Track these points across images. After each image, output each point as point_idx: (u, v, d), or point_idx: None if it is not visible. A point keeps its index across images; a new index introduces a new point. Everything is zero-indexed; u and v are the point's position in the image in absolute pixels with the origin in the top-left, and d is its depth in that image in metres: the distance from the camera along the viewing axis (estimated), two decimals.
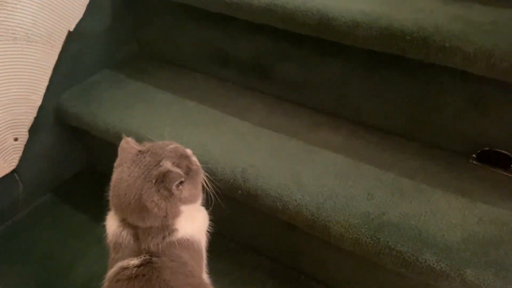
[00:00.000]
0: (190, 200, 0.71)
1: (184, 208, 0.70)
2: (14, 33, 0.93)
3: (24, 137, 1.05)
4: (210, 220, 0.77)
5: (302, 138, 0.95)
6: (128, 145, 0.72)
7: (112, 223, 0.70)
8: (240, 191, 0.86)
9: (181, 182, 0.68)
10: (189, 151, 0.76)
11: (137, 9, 1.20)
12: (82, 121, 1.07)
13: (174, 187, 0.66)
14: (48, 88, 1.06)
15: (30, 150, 1.08)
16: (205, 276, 0.77)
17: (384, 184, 0.84)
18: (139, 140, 0.97)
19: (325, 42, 0.92)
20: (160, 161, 0.69)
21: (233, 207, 0.94)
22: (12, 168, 1.05)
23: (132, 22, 1.22)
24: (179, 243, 0.69)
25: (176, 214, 0.68)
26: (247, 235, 1.05)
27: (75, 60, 1.11)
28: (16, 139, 1.04)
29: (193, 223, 0.73)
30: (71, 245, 1.08)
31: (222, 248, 1.04)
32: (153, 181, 0.66)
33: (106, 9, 1.15)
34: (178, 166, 0.70)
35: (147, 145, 0.73)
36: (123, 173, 0.67)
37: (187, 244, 0.71)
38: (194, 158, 0.76)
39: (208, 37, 1.12)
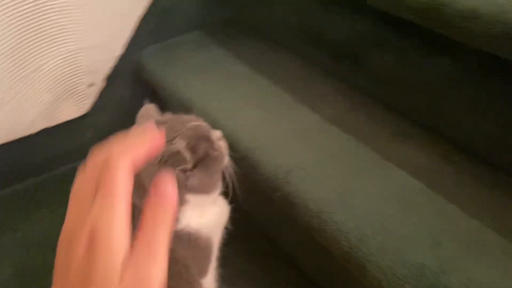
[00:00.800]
0: (200, 190, 0.60)
1: (191, 198, 0.60)
2: None
3: (99, 84, 1.05)
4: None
5: (377, 148, 0.76)
6: (147, 113, 0.63)
7: None
8: (278, 193, 0.73)
9: (189, 169, 0.57)
10: (217, 133, 0.65)
11: None
12: (154, 79, 1.02)
13: (177, 171, 0.56)
14: (131, 40, 1.04)
15: (103, 99, 1.08)
16: (209, 281, 0.66)
17: (461, 232, 0.62)
18: (192, 110, 0.89)
19: (434, 34, 0.71)
20: (174, 138, 0.59)
21: (272, 209, 0.81)
22: (83, 112, 1.07)
23: None
24: (177, 236, 0.60)
25: (179, 202, 0.59)
26: (282, 242, 0.92)
27: (165, 16, 1.07)
28: (91, 85, 1.04)
29: (201, 216, 0.62)
30: None
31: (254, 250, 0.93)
32: (158, 159, 0.57)
33: None
34: (193, 148, 0.59)
35: (168, 116, 0.64)
36: None
37: (188, 239, 0.61)
38: (222, 143, 0.65)
39: (304, 10, 0.98)
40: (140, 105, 1.17)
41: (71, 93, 1.02)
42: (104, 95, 1.07)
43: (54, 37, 0.92)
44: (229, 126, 0.83)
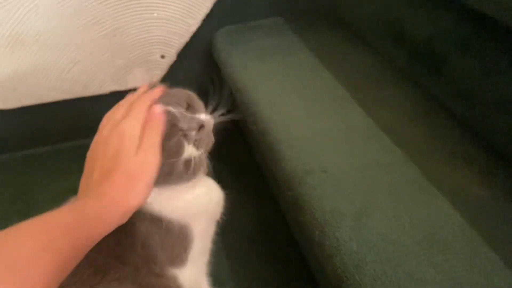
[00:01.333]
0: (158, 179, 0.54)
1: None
2: None
3: (171, 57, 1.06)
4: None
5: (426, 168, 0.62)
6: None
7: None
8: (290, 193, 0.63)
9: None
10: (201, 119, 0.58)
11: None
12: (219, 58, 0.99)
13: None
14: (208, 17, 1.02)
15: (173, 72, 1.08)
16: (189, 273, 0.59)
17: None
18: (240, 92, 0.84)
19: None
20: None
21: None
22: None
23: None
24: (149, 219, 0.55)
25: None
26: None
27: None
28: (163, 56, 1.06)
29: (170, 200, 0.56)
30: None
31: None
32: None
33: None
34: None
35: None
36: None
37: (159, 224, 0.55)
38: (194, 133, 0.56)
39: (387, 2, 0.85)
40: (207, 84, 1.16)
41: (143, 62, 1.05)
42: (174, 69, 1.08)
43: (132, 3, 0.95)
44: (267, 113, 0.75)
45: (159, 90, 0.57)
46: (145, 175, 0.49)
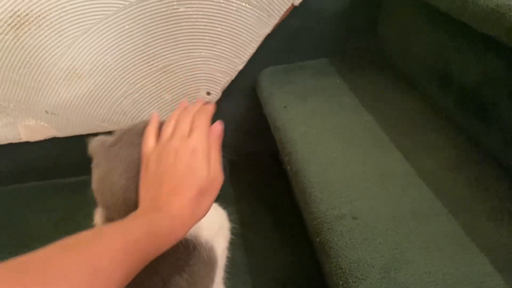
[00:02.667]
0: None
1: None
2: None
3: (216, 94, 1.09)
4: None
5: (466, 222, 0.57)
6: (98, 143, 0.60)
7: (99, 221, 0.61)
8: (318, 238, 0.61)
9: None
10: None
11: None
12: (262, 97, 1.00)
13: None
14: (254, 57, 1.04)
15: (218, 109, 1.10)
16: None
17: None
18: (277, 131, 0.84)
19: None
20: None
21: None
22: None
23: (369, 11, 1.03)
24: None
25: None
26: None
27: (292, 38, 1.04)
28: (208, 93, 1.08)
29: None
30: None
31: None
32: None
33: None
34: None
35: (118, 133, 0.59)
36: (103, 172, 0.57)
37: (185, 249, 0.55)
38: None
39: (438, 48, 0.82)
40: (251, 122, 1.17)
41: (190, 97, 1.08)
42: (219, 105, 1.10)
43: (182, 42, 1.00)
44: (302, 153, 0.74)
45: (212, 107, 0.59)
46: (213, 193, 0.51)
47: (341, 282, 0.53)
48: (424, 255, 0.53)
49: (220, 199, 1.08)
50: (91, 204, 1.05)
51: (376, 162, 0.71)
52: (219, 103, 1.10)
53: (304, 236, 0.96)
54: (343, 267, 0.54)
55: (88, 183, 1.10)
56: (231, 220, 0.66)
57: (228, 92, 1.09)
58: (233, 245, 0.95)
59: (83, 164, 1.11)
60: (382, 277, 0.51)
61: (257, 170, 1.18)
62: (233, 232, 0.65)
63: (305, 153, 0.74)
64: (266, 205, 1.05)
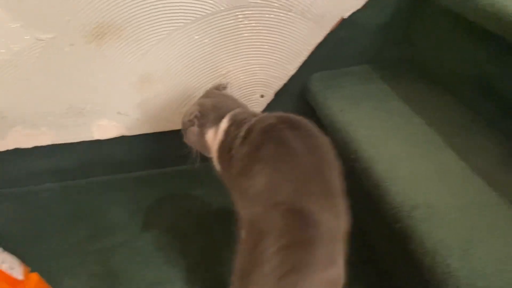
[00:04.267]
0: None
1: None
2: (292, 6, 1.05)
3: (269, 97, 1.20)
4: None
5: None
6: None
7: None
8: (398, 225, 0.73)
9: None
10: None
11: (416, 12, 1.13)
12: (315, 100, 1.12)
13: None
14: (304, 63, 1.16)
15: (270, 110, 1.22)
16: None
17: None
18: (339, 133, 0.96)
19: None
20: None
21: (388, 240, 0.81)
22: None
23: (407, 24, 1.16)
24: None
25: None
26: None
27: (339, 47, 1.16)
28: (262, 96, 1.20)
29: None
30: None
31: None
32: None
33: (386, 7, 1.13)
34: None
35: None
36: None
37: None
38: None
39: (476, 58, 0.95)
40: None
41: (246, 100, 1.19)
42: (270, 107, 1.22)
43: (244, 51, 1.10)
44: (368, 153, 0.87)
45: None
46: None
47: (427, 259, 0.65)
48: (493, 236, 0.66)
49: None
50: (159, 195, 1.16)
51: (434, 160, 0.84)
52: (269, 104, 1.22)
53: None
54: (428, 247, 0.66)
55: (154, 177, 1.20)
56: None
57: (280, 95, 1.20)
58: None
59: (149, 160, 1.22)
60: (463, 254, 0.64)
61: None
62: None
63: (371, 152, 0.87)
64: None
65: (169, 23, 1.02)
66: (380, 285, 0.92)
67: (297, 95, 1.23)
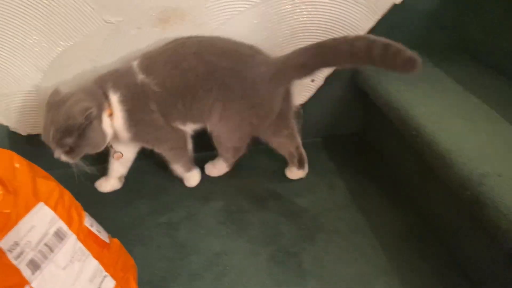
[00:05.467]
0: None
1: None
2: None
3: (319, 81, 1.24)
4: None
5: None
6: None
7: None
8: (468, 192, 0.76)
9: None
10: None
11: None
12: (368, 84, 1.16)
13: None
14: None
15: (320, 94, 1.26)
16: None
17: None
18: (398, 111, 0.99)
19: None
20: None
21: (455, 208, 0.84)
22: (300, 102, 1.26)
23: (457, 9, 1.18)
24: None
25: None
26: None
27: (390, 32, 1.18)
28: (312, 81, 1.23)
29: None
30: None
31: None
32: None
33: None
34: None
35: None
36: None
37: None
38: None
39: None
40: (349, 107, 1.33)
41: (296, 84, 1.22)
42: (320, 91, 1.26)
43: (298, 35, 1.14)
44: (431, 128, 0.90)
45: None
46: None
47: (504, 222, 0.68)
48: None
49: (321, 171, 1.22)
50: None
51: (495, 132, 0.87)
52: (319, 88, 1.25)
53: (405, 201, 1.11)
54: (502, 210, 0.69)
55: (206, 157, 1.24)
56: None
57: (330, 80, 1.24)
58: (349, 208, 1.11)
59: (206, 141, 1.26)
60: None
61: (350, 147, 1.34)
62: None
63: (434, 127, 0.90)
64: (363, 175, 1.21)
65: (231, 8, 1.07)
66: (445, 259, 0.95)
67: (347, 80, 1.26)
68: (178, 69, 0.99)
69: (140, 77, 0.99)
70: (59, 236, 0.71)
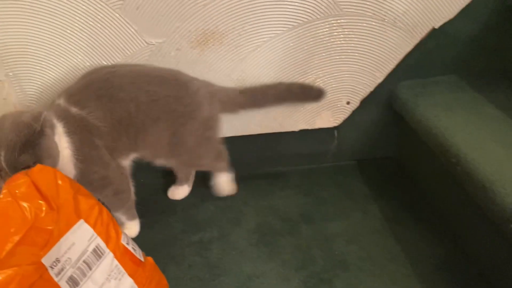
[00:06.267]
0: None
1: None
2: (385, 15, 1.09)
3: (355, 103, 1.23)
4: None
5: None
6: None
7: None
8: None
9: None
10: None
11: (508, 23, 1.13)
12: (405, 108, 1.14)
13: None
14: (393, 72, 1.18)
15: (355, 117, 1.25)
16: None
17: None
18: (437, 138, 0.97)
19: None
20: None
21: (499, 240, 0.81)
22: (335, 124, 1.26)
23: (498, 34, 1.16)
24: None
25: None
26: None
27: (428, 56, 1.18)
28: (348, 103, 1.23)
29: None
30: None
31: None
32: None
33: (480, 18, 1.14)
34: None
35: None
36: None
37: None
38: None
39: None
40: (384, 131, 1.31)
41: (331, 106, 1.23)
42: (356, 114, 1.25)
43: (335, 58, 1.14)
44: (471, 156, 0.88)
45: None
46: None
47: None
48: None
49: (355, 196, 1.21)
50: (245, 194, 1.20)
51: None
52: (356, 111, 1.25)
53: (441, 230, 1.08)
54: None
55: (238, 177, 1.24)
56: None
57: (366, 102, 1.23)
58: (384, 235, 1.09)
59: (238, 161, 1.27)
60: None
61: (385, 171, 1.31)
62: None
63: (474, 155, 0.88)
64: (398, 201, 1.18)
65: (268, 31, 1.08)
66: None
67: (383, 103, 1.25)
68: (116, 101, 0.95)
69: (74, 110, 0.91)
70: (97, 253, 0.72)
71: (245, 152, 1.29)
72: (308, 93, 1.17)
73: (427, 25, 1.12)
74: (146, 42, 1.07)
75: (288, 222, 1.12)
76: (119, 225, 0.81)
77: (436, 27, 1.13)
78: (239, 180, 1.22)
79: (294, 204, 1.19)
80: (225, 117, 1.17)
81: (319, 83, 1.18)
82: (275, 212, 1.16)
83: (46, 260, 0.64)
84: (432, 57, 1.19)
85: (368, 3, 1.07)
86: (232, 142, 1.22)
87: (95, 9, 1.00)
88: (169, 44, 1.08)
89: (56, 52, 1.05)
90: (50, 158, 0.82)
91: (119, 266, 0.75)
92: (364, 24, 1.11)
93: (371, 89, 1.21)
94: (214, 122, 1.09)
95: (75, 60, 1.07)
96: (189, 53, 1.09)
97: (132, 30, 1.04)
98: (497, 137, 0.93)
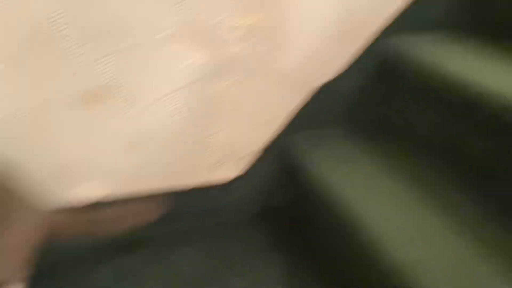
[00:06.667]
0: None
1: None
2: (275, 73, 1.15)
3: (256, 154, 1.28)
4: None
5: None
6: None
7: None
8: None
9: None
10: None
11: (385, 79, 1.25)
12: (296, 158, 1.22)
13: None
14: (289, 124, 1.25)
15: (256, 167, 1.29)
16: None
17: None
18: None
19: None
20: None
21: None
22: (236, 174, 1.29)
23: (379, 88, 1.27)
24: None
25: None
26: None
27: (319, 110, 1.25)
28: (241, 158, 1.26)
29: None
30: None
31: None
32: None
33: (363, 75, 1.25)
34: None
35: None
36: None
37: None
38: None
39: (440, 119, 1.07)
40: (284, 180, 1.33)
41: (233, 157, 1.25)
42: (257, 164, 1.29)
43: (233, 111, 1.17)
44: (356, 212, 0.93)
45: None
46: None
47: None
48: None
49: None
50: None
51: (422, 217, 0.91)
52: (257, 161, 1.28)
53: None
54: None
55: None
56: None
57: (265, 152, 1.28)
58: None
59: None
60: None
61: (285, 220, 1.34)
62: None
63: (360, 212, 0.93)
64: (300, 252, 1.21)
65: (156, 91, 1.08)
66: None
67: (281, 153, 1.29)
68: None
69: None
70: None
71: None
72: None
73: (314, 82, 1.20)
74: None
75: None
76: None
77: (321, 83, 1.21)
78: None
79: (197, 264, 1.17)
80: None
81: (222, 134, 1.20)
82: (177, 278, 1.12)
83: None
84: (319, 111, 1.27)
85: (261, 62, 1.12)
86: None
87: None
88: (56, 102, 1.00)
89: None
90: None
91: None
92: (259, 81, 1.15)
93: (270, 140, 1.26)
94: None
95: None
96: (77, 111, 1.03)
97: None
98: (375, 188, 1.02)
